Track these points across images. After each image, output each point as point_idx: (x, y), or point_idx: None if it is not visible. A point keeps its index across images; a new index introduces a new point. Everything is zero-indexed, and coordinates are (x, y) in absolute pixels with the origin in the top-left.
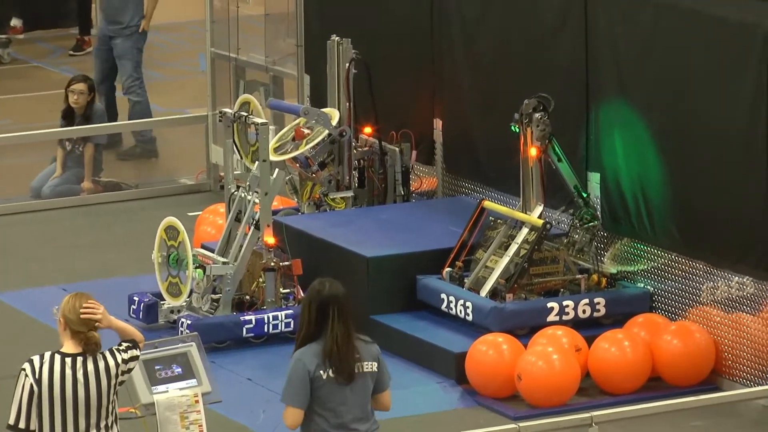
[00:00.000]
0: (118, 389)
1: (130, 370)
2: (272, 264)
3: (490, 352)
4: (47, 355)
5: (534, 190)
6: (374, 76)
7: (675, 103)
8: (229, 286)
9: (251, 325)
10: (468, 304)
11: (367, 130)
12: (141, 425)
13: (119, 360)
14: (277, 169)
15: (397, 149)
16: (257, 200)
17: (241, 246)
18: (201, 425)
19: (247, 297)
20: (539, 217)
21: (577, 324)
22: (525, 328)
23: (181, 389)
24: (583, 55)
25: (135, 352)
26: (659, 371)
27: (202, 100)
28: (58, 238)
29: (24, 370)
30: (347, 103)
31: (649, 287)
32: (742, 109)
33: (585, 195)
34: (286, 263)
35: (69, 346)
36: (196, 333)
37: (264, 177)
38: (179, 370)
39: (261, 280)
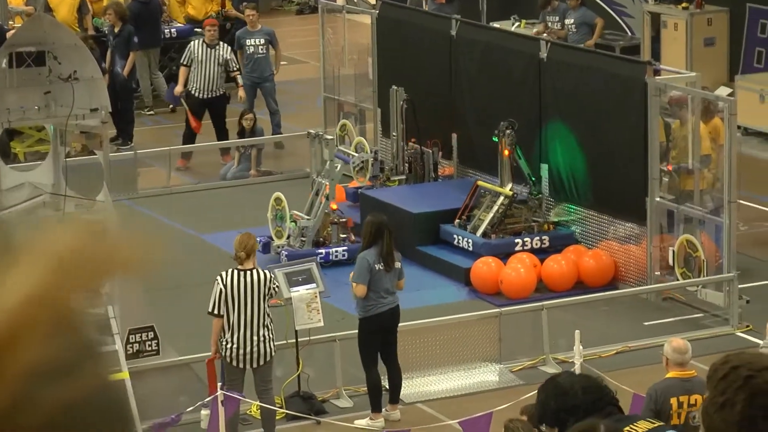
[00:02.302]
0: (271, 292)
1: (276, 286)
2: (335, 220)
3: (484, 267)
4: (230, 270)
5: (506, 175)
6: (417, 108)
7: (591, 123)
8: (310, 233)
9: (322, 255)
10: (469, 240)
11: (413, 140)
12: (283, 311)
13: (270, 276)
14: (338, 165)
15: (430, 151)
16: (326, 183)
17: (318, 209)
18: (318, 310)
19: (321, 239)
20: (510, 190)
21: (534, 251)
22: (502, 254)
23: (306, 289)
24: (538, 95)
25: (277, 282)
26: (582, 278)
27: (319, 122)
28: (233, 204)
29: (218, 278)
30: (401, 125)
31: (575, 230)
32: (629, 126)
33: (533, 179)
34: (344, 219)
35: (242, 264)
36: (315, 257)
37: (330, 170)
38: (305, 277)
39: (329, 229)
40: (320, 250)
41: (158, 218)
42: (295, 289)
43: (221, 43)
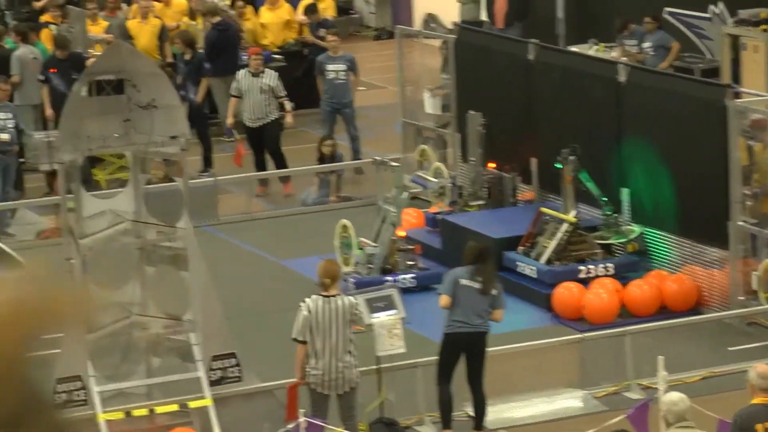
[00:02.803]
0: (353, 318)
1: (358, 312)
2: (402, 247)
3: (566, 293)
4: (314, 296)
5: (569, 201)
6: (495, 134)
7: (671, 147)
8: (378, 260)
9: (389, 282)
10: (533, 267)
11: (491, 164)
12: (365, 337)
13: (354, 303)
14: (405, 193)
15: (509, 175)
16: (393, 210)
17: (385, 236)
18: (400, 336)
19: (388, 266)
20: (573, 216)
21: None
22: (566, 282)
23: (388, 315)
24: (616, 118)
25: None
26: (665, 303)
27: (398, 148)
28: (313, 230)
29: (302, 304)
30: (479, 150)
31: (639, 258)
32: (710, 149)
33: (604, 199)
34: (411, 247)
35: (327, 290)
36: (396, 284)
37: (396, 198)
38: (386, 303)
39: (396, 256)
40: (387, 278)
41: (239, 245)
42: (376, 315)
43: (267, 70)
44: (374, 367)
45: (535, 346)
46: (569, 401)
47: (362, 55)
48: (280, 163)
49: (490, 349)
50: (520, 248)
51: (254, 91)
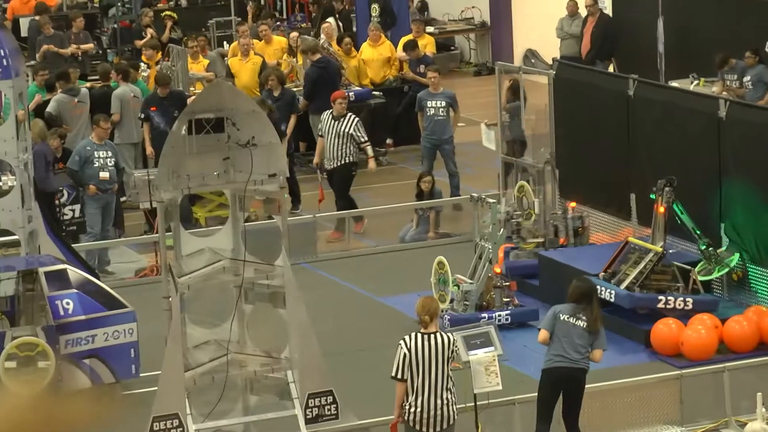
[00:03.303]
0: (453, 356)
1: (456, 349)
2: (498, 284)
3: (664, 329)
4: (413, 334)
5: (659, 232)
6: (594, 169)
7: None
8: (473, 296)
9: (485, 319)
10: (612, 291)
11: (572, 204)
12: (463, 374)
13: (452, 340)
14: (502, 229)
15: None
16: (490, 247)
17: (482, 273)
18: (497, 373)
19: (484, 302)
20: (661, 247)
21: (675, 311)
22: (645, 309)
23: (485, 352)
24: (717, 154)
25: (457, 345)
26: (765, 339)
27: (496, 183)
28: (412, 267)
29: (402, 342)
30: (543, 187)
31: (721, 297)
32: None
33: (698, 232)
34: (507, 283)
35: (426, 327)
36: (493, 321)
37: (493, 234)
38: (483, 340)
39: (492, 293)
40: (483, 314)
41: (338, 281)
42: (473, 352)
43: (348, 114)
44: (471, 404)
45: (633, 383)
46: None
47: (462, 91)
48: (345, 206)
49: (589, 384)
50: (602, 274)
51: (332, 134)
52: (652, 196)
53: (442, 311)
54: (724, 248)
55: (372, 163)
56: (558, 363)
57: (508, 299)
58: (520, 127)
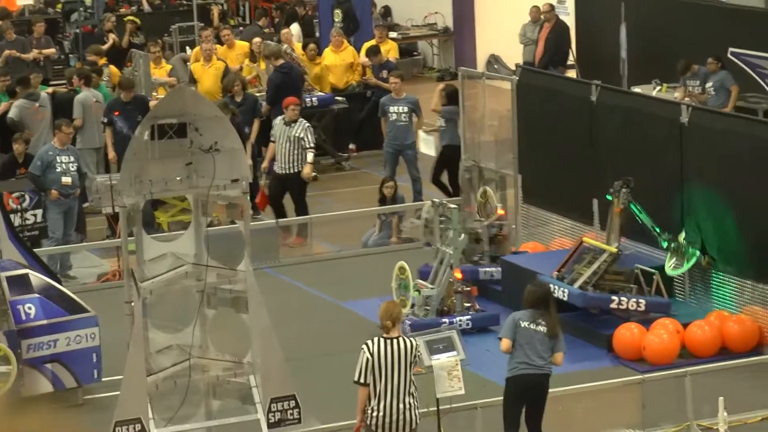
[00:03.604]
0: (415, 360)
1: (419, 354)
2: (459, 289)
3: (627, 333)
4: (376, 338)
5: (614, 234)
6: (557, 175)
7: (734, 187)
8: (434, 301)
9: (445, 324)
10: (565, 290)
11: (501, 211)
12: (426, 379)
13: (415, 344)
14: (463, 235)
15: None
16: (450, 251)
17: (442, 278)
18: (459, 378)
19: (445, 308)
20: (616, 248)
21: (629, 312)
22: (596, 309)
23: (447, 357)
24: (679, 159)
25: (419, 350)
26: (726, 344)
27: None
28: (374, 272)
29: (364, 347)
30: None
31: (672, 300)
32: None
33: (657, 230)
34: (468, 288)
35: (388, 332)
36: (455, 326)
37: (454, 239)
38: (446, 345)
39: (453, 298)
40: (444, 320)
41: (300, 286)
42: (436, 357)
43: (300, 120)
44: (434, 408)
45: (595, 387)
46: None
47: (425, 97)
48: (302, 213)
49: (552, 389)
50: (555, 273)
51: (284, 140)
52: (609, 197)
53: (404, 316)
54: (683, 236)
55: (307, 169)
56: (523, 370)
57: (468, 304)
58: (455, 132)
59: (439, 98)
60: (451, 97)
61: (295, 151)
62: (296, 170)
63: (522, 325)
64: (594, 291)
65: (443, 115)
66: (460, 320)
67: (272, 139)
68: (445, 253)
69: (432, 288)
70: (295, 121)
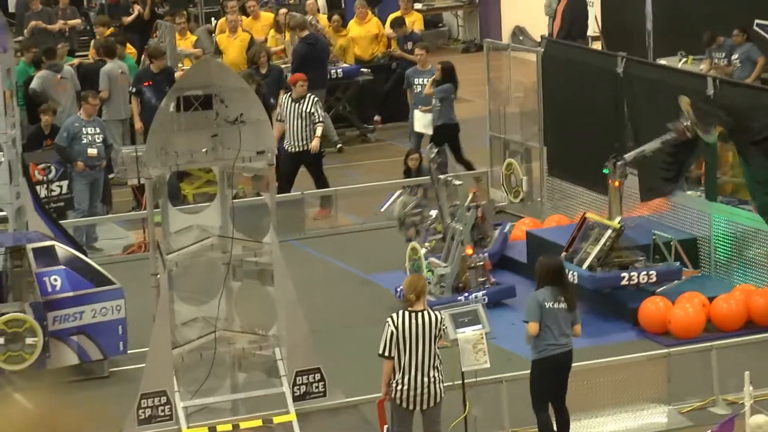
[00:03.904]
0: (440, 334)
1: (444, 327)
2: (472, 264)
3: (652, 307)
4: (401, 311)
5: (615, 207)
6: (582, 147)
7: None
8: (449, 279)
9: (462, 301)
10: (575, 273)
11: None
12: (449, 353)
13: (440, 318)
14: (470, 210)
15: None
16: (461, 228)
17: (455, 255)
18: (485, 351)
19: (460, 284)
20: (618, 223)
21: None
22: (608, 288)
23: (473, 330)
24: None
25: (445, 323)
26: (752, 318)
27: (485, 161)
28: (399, 244)
29: (389, 320)
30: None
31: (680, 264)
32: None
33: None
34: (481, 263)
35: (412, 306)
36: (482, 298)
37: (462, 215)
38: (471, 318)
39: (467, 274)
40: (460, 297)
41: (325, 258)
42: (461, 330)
43: (309, 96)
44: (459, 382)
45: (621, 361)
46: (655, 417)
47: None
48: (323, 186)
49: (578, 363)
50: (563, 254)
51: (294, 117)
52: (605, 171)
53: None
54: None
55: (315, 142)
56: (553, 351)
57: (483, 279)
58: (450, 111)
59: (430, 84)
60: (447, 74)
61: (308, 127)
62: (308, 147)
63: (547, 306)
64: (603, 270)
65: (437, 94)
66: (476, 296)
67: (279, 118)
68: (455, 229)
69: (445, 266)
70: (303, 97)
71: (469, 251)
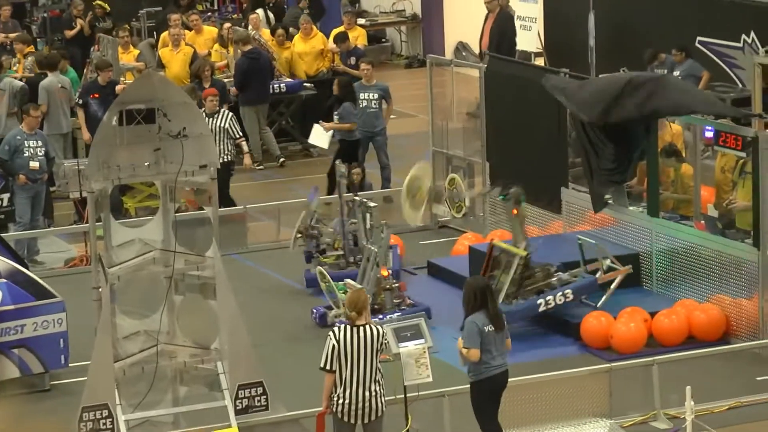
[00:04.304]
0: (382, 348)
1: (386, 342)
2: (387, 286)
3: (594, 322)
4: (343, 325)
5: (519, 234)
6: (524, 163)
7: None
8: None
9: (376, 321)
10: None
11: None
12: (392, 366)
13: (382, 332)
14: (385, 230)
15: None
16: (376, 249)
17: (370, 276)
18: (427, 366)
19: (376, 305)
20: (524, 249)
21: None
22: (528, 318)
23: (415, 344)
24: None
25: (387, 339)
26: (693, 333)
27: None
28: None
29: (331, 333)
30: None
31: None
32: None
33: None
34: (396, 284)
35: (354, 321)
36: (423, 312)
37: (377, 236)
38: (413, 332)
39: (382, 295)
40: (374, 318)
41: (267, 272)
42: (403, 344)
43: (222, 110)
44: (401, 396)
45: (562, 375)
46: (596, 431)
47: (393, 83)
48: (225, 204)
49: (519, 378)
50: None
51: None
52: (501, 197)
53: (335, 317)
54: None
55: (248, 159)
56: (492, 372)
57: (399, 300)
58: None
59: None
60: (344, 88)
61: (220, 143)
62: (223, 161)
63: (486, 330)
64: (518, 300)
65: (338, 111)
66: (391, 318)
67: None
68: (371, 251)
69: (360, 288)
70: (216, 112)
71: (384, 272)
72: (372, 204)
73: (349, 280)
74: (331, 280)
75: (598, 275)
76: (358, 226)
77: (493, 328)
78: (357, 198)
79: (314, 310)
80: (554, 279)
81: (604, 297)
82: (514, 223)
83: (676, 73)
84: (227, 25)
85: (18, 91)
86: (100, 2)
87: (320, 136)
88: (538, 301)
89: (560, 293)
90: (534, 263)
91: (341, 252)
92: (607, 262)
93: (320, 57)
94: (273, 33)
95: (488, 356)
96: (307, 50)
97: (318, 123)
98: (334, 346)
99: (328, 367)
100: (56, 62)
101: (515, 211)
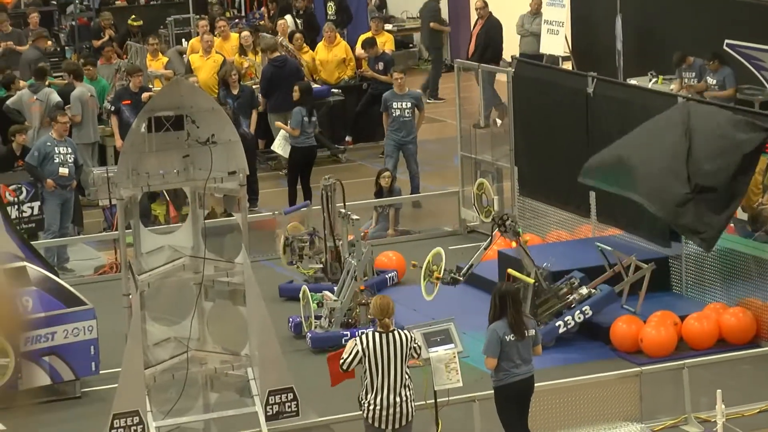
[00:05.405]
0: (412, 353)
1: (416, 347)
2: (363, 301)
3: (624, 326)
4: (370, 332)
5: (527, 260)
6: (553, 167)
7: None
8: (338, 314)
9: (347, 336)
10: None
11: None
12: (422, 371)
13: (411, 337)
14: (367, 246)
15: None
16: (355, 263)
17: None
18: (457, 370)
19: (351, 320)
20: (533, 278)
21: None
22: (552, 341)
23: (445, 349)
24: None
25: (419, 343)
26: (724, 336)
27: (456, 181)
28: None
29: (357, 340)
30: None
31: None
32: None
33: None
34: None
35: (379, 326)
36: (453, 317)
37: (358, 250)
38: (443, 337)
39: (357, 310)
40: (346, 332)
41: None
42: (433, 349)
43: None
44: (431, 401)
45: (593, 380)
46: None
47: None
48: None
49: (549, 383)
50: None
51: None
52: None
53: (308, 328)
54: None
55: None
56: (513, 379)
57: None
58: (308, 133)
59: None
60: (304, 93)
61: None
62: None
63: (507, 339)
64: (539, 327)
65: (294, 115)
66: (364, 333)
67: None
68: (351, 264)
69: (336, 300)
70: None
71: (362, 287)
72: (355, 217)
73: (327, 293)
74: (311, 299)
75: (624, 279)
76: (344, 238)
77: (514, 337)
78: (384, 204)
79: (290, 320)
80: (572, 296)
81: (639, 300)
82: (519, 252)
83: (712, 80)
84: (245, 33)
85: (54, 106)
86: (132, 22)
87: (283, 145)
88: (557, 323)
89: (578, 311)
90: (552, 282)
91: (320, 266)
92: (633, 260)
93: (342, 65)
94: (290, 38)
95: (509, 364)
96: (329, 58)
97: (282, 131)
98: (358, 352)
99: (345, 368)
100: (82, 72)
101: (515, 244)
